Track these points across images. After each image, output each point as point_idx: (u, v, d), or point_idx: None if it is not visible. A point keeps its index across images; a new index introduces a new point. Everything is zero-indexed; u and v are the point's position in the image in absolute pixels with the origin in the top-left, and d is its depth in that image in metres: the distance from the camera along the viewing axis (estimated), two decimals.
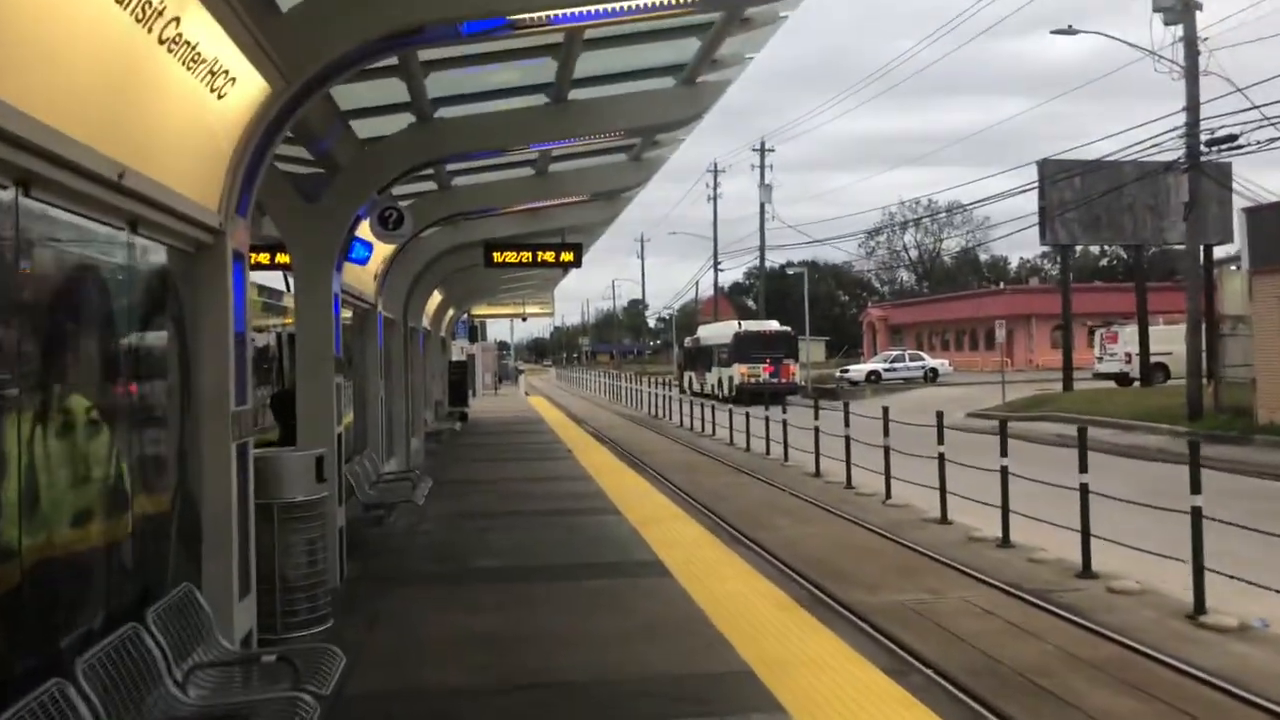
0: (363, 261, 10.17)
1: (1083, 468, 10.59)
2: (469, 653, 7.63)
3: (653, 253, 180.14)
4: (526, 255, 16.38)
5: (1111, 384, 39.73)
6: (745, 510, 15.09)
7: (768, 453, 22.50)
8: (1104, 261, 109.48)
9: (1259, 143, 24.87)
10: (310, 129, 8.59)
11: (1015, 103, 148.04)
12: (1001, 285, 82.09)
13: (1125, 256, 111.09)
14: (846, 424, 17.86)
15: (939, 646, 7.95)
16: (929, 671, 7.29)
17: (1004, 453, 12.39)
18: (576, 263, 16.81)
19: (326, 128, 9.01)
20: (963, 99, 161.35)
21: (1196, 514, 8.73)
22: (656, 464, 21.38)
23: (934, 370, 53.80)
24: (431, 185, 13.12)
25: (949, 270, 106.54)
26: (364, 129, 9.93)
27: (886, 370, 53.19)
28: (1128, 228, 37.60)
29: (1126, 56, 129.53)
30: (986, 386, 46.16)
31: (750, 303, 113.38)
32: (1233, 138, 25.69)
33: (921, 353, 58.50)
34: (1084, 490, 10.47)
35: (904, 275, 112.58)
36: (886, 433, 16.14)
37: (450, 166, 12.32)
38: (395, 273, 16.24)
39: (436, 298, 24.51)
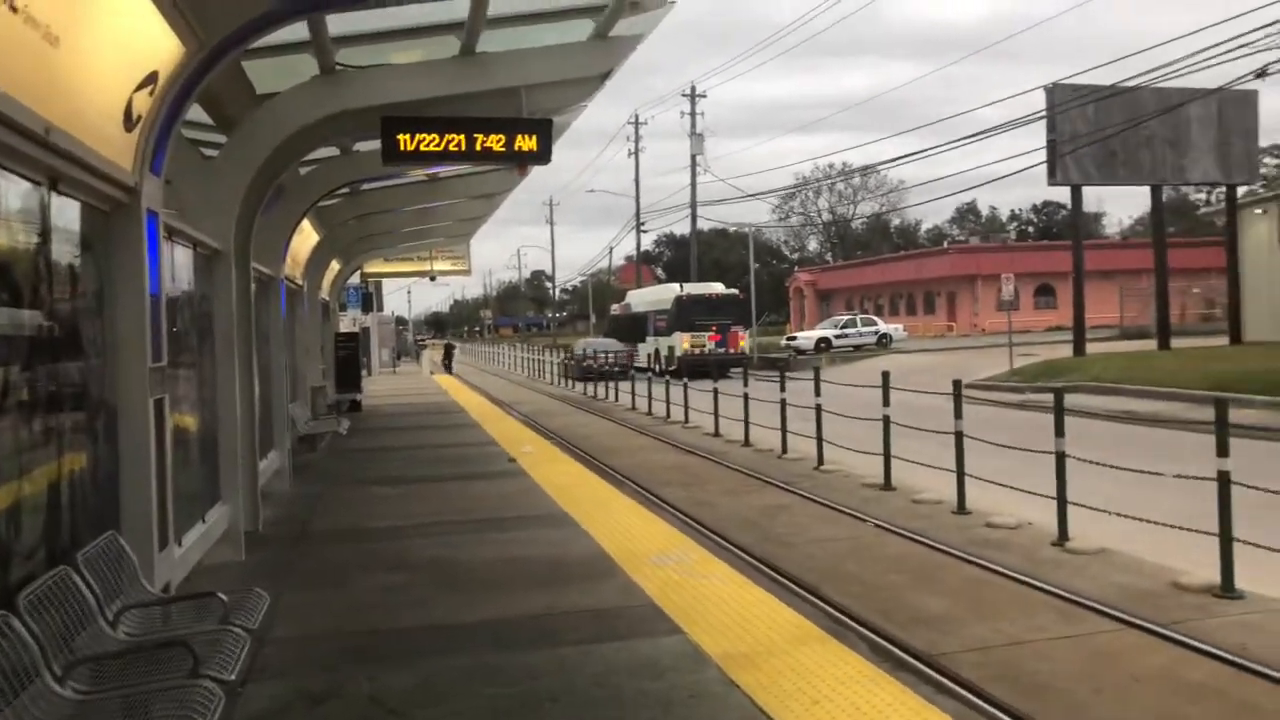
0: None
1: None
2: None
3: (556, 221, 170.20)
4: (457, 139, 9.45)
5: (1135, 345, 34.69)
6: (855, 578, 8.65)
7: (784, 450, 16.10)
8: (1013, 225, 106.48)
9: None
10: None
11: (907, 67, 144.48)
12: (945, 244, 77.22)
13: (1036, 220, 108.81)
14: (957, 413, 11.57)
15: None
16: None
17: None
18: (542, 156, 9.93)
19: None
20: (856, 61, 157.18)
21: None
22: (636, 473, 14.81)
23: (888, 336, 48.44)
24: None
25: (859, 237, 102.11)
26: None
27: (837, 336, 47.58)
28: (1145, 165, 32.13)
29: (1022, 22, 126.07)
30: (958, 353, 41.30)
31: (660, 271, 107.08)
32: None
33: (874, 317, 52.92)
34: None
35: (813, 243, 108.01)
36: (1060, 431, 9.81)
37: None
38: (226, 159, 9.12)
39: (312, 237, 16.89)
